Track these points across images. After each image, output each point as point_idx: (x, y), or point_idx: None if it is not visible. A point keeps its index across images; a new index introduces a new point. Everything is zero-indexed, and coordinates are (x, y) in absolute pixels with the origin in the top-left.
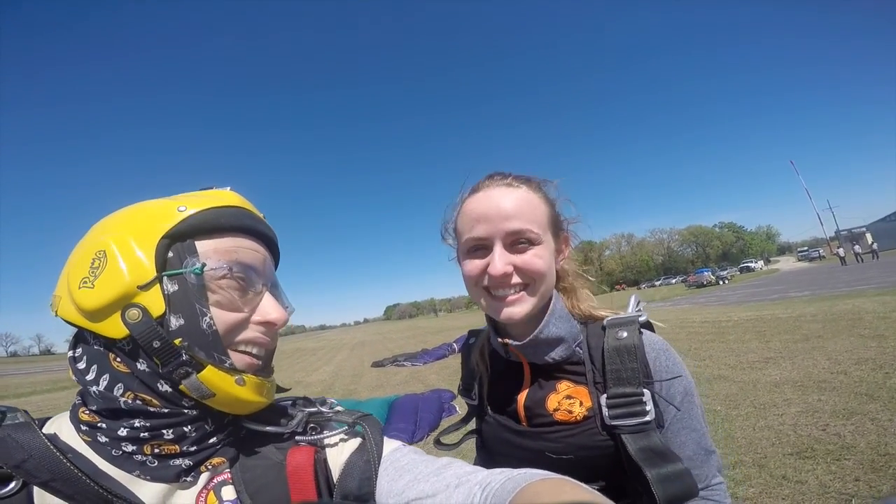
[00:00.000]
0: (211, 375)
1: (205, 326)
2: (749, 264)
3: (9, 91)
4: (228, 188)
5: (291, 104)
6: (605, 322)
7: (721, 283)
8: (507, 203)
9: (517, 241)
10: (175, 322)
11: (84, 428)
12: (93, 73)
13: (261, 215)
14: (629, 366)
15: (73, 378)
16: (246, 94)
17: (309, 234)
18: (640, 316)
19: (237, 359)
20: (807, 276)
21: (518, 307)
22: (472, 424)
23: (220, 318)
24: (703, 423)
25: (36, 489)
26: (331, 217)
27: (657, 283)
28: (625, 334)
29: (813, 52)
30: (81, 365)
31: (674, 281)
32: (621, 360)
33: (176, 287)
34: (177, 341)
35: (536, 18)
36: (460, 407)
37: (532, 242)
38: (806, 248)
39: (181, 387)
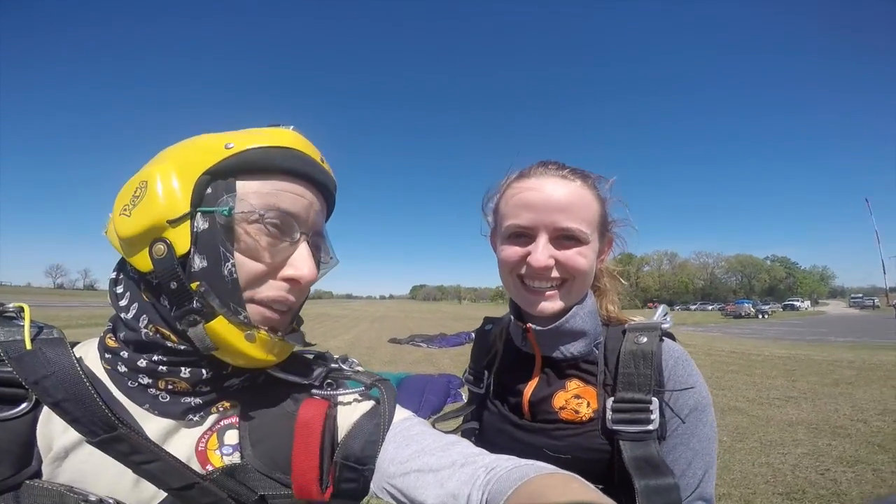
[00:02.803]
0: (219, 327)
1: (226, 272)
2: (794, 302)
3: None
4: (291, 128)
5: (349, 59)
6: (626, 326)
7: (760, 316)
8: (559, 196)
9: (563, 237)
10: (198, 262)
11: (107, 356)
12: None
13: (319, 159)
14: (642, 371)
15: (109, 301)
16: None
17: (350, 200)
18: (663, 323)
19: (254, 311)
20: (854, 322)
21: (552, 302)
22: (465, 420)
23: (244, 266)
24: (708, 445)
25: (42, 414)
26: (374, 187)
27: (693, 307)
28: (644, 339)
29: None
30: (119, 289)
31: (710, 308)
32: (635, 364)
33: (206, 226)
34: (194, 285)
35: (621, 25)
36: (467, 396)
37: (579, 240)
38: (860, 295)
39: (188, 333)
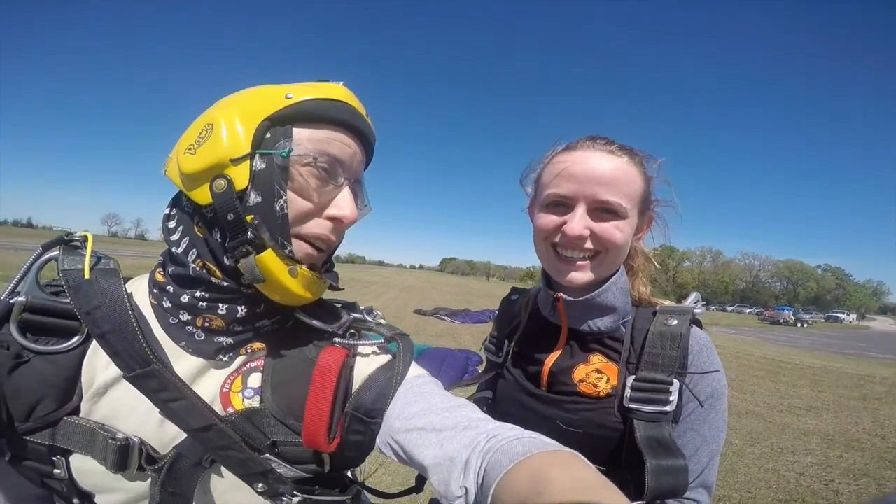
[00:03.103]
0: (268, 260)
1: (277, 208)
2: (838, 315)
3: None
4: (342, 83)
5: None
6: (658, 308)
7: (800, 325)
8: (604, 169)
9: (601, 209)
10: (253, 198)
11: (154, 291)
12: None
13: (364, 114)
14: (669, 353)
15: (161, 236)
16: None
17: (390, 166)
18: (695, 309)
19: (298, 247)
20: None
21: (583, 273)
22: (480, 388)
23: (294, 203)
24: (717, 434)
25: (90, 350)
26: (414, 156)
27: (729, 308)
28: (675, 322)
29: None
30: (171, 224)
31: (748, 311)
32: (662, 345)
33: (263, 166)
34: (249, 218)
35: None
36: (484, 365)
37: (617, 214)
38: None
39: (239, 265)
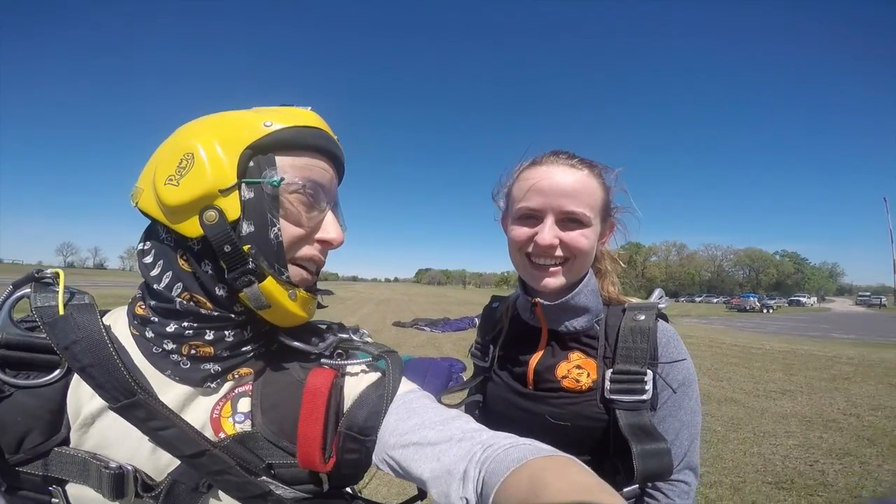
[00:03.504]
0: (271, 287)
1: (272, 236)
2: (800, 298)
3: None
4: (309, 108)
5: (349, 42)
6: (626, 305)
7: (765, 311)
8: (567, 183)
9: (568, 220)
10: (246, 228)
11: (136, 322)
12: None
13: (335, 137)
14: (640, 346)
15: (139, 271)
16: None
17: (358, 179)
18: (659, 304)
19: (294, 272)
20: (859, 320)
21: (556, 279)
22: (470, 393)
23: (286, 230)
24: (693, 417)
25: (73, 381)
26: (381, 169)
27: (698, 299)
28: (642, 317)
29: None
30: (148, 259)
31: (715, 300)
32: (633, 339)
33: (252, 195)
34: (245, 248)
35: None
36: (472, 371)
37: (581, 223)
38: (868, 294)
39: (241, 294)
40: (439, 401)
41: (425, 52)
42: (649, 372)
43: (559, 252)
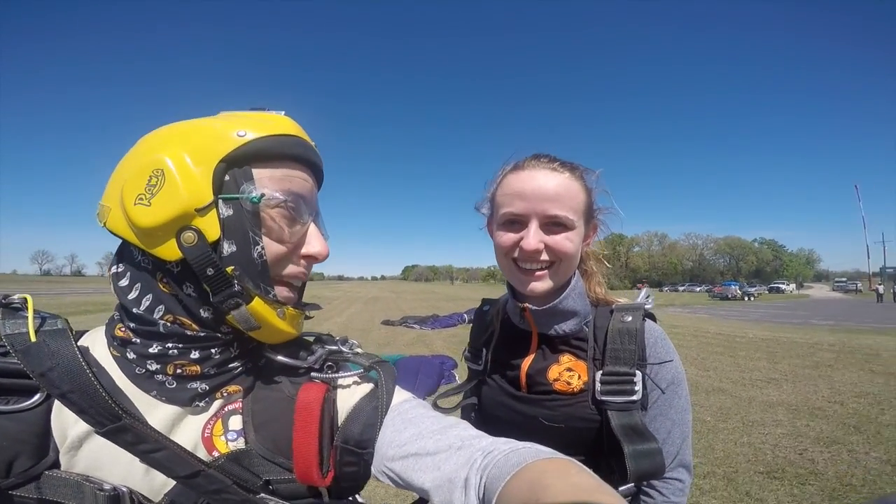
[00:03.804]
0: (259, 307)
1: (255, 255)
2: (780, 285)
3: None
4: (283, 113)
5: (331, 38)
6: (613, 306)
7: (747, 298)
8: (549, 187)
9: (552, 223)
10: (227, 248)
11: (115, 343)
12: None
13: (313, 143)
14: (628, 347)
15: (115, 295)
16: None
17: (340, 177)
18: (646, 304)
19: (279, 291)
20: (837, 306)
21: (542, 282)
22: (466, 396)
23: (270, 248)
24: (684, 416)
25: (55, 405)
26: (365, 166)
27: (681, 288)
28: (629, 318)
29: None
30: (124, 283)
31: (698, 289)
32: (622, 340)
33: (231, 212)
34: (229, 269)
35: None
36: (461, 377)
37: (566, 226)
38: (844, 280)
39: (229, 317)
40: (434, 401)
41: (409, 46)
42: (638, 373)
43: (545, 256)
